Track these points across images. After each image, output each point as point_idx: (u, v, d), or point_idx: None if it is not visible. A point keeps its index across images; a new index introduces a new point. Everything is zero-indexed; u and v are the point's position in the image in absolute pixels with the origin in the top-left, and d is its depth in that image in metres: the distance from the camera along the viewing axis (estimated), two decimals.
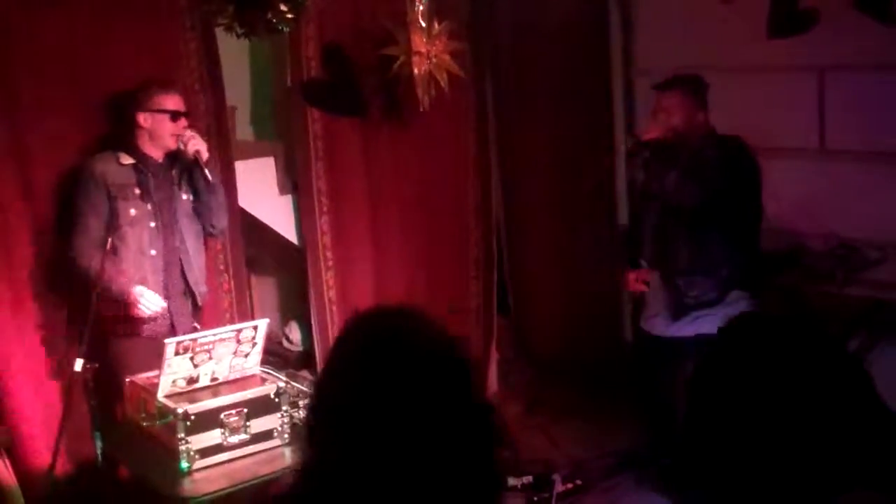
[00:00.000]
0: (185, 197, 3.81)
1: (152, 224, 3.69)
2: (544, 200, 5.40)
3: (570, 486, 4.23)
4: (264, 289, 5.21)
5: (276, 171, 4.72)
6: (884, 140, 4.28)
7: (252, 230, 4.60)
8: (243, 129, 4.75)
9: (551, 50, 5.12)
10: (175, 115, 3.70)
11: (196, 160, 3.71)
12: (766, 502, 1.33)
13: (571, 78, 5.16)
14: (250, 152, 4.65)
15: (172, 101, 3.72)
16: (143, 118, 3.68)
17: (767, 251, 4.17)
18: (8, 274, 3.71)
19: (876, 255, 4.32)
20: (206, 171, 3.74)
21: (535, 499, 4.15)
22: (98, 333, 3.56)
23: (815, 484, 1.31)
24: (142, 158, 3.69)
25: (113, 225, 3.60)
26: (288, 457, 3.20)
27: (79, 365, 3.34)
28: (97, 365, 3.34)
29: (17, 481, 3.63)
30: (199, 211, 3.84)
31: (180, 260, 3.77)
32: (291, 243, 4.80)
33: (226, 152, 4.28)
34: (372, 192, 4.82)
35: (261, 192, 4.65)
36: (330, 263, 4.73)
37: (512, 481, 4.09)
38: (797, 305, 4.17)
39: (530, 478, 4.22)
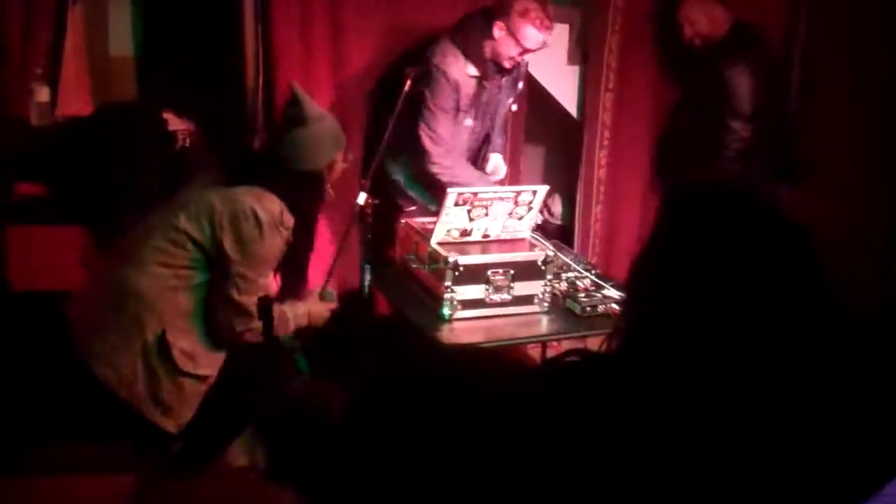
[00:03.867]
0: (509, 102, 3.94)
1: (476, 132, 3.87)
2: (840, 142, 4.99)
3: None
4: (532, 158, 5.19)
5: (569, 39, 4.61)
6: None
7: (530, 97, 4.56)
8: None
9: None
10: (525, 52, 3.69)
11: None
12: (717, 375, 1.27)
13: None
14: None
15: (534, 39, 3.63)
16: (500, 31, 3.63)
17: None
18: None
19: None
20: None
21: None
22: None
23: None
24: (485, 71, 3.72)
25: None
26: (545, 324, 3.23)
27: (362, 198, 3.47)
28: (377, 201, 3.47)
29: None
30: None
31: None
32: (569, 115, 4.73)
33: None
34: (660, 77, 4.63)
35: (549, 59, 4.56)
36: (605, 142, 4.63)
37: None
38: None
39: None
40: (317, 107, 3.00)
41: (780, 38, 4.75)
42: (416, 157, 3.78)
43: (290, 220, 2.87)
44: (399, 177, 3.95)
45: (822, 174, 5.07)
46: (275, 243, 2.84)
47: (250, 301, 2.79)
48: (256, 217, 2.77)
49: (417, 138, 3.71)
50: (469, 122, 3.80)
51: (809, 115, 5.04)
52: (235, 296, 2.79)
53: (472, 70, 3.68)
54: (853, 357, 1.32)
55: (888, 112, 4.87)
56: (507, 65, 3.71)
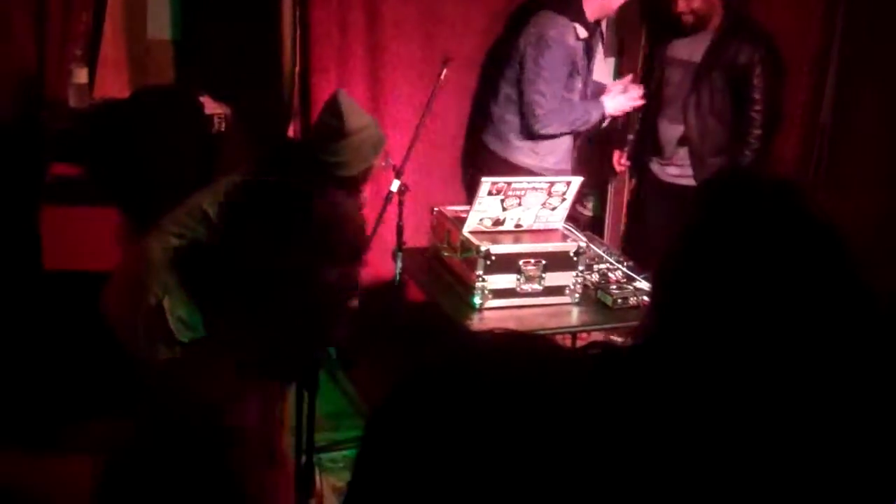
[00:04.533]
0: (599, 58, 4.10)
1: (580, 90, 3.98)
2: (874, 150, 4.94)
3: None
4: None
5: (605, 29, 4.59)
6: None
7: None
8: None
9: None
10: None
11: None
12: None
13: None
14: None
15: None
16: None
17: None
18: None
19: None
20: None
21: None
22: None
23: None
24: (591, 31, 3.80)
25: None
26: (576, 315, 3.23)
27: (395, 185, 3.48)
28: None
29: None
30: None
31: None
32: None
33: None
34: None
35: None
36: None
37: None
38: None
39: None
40: (360, 115, 3.04)
41: (816, 44, 4.70)
42: (524, 122, 3.92)
43: None
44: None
45: (855, 181, 5.03)
46: None
47: None
48: None
49: (527, 106, 3.86)
50: (579, 84, 3.97)
51: (844, 123, 4.99)
52: None
53: (582, 32, 3.83)
54: (886, 354, 1.30)
55: None
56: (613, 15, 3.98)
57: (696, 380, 1.25)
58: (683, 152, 4.16)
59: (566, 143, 4.05)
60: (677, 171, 4.19)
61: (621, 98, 4.01)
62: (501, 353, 0.92)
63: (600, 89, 4.11)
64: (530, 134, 3.92)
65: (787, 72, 4.34)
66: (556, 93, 3.85)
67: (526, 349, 0.94)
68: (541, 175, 3.70)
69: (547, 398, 0.84)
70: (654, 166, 4.26)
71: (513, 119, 3.96)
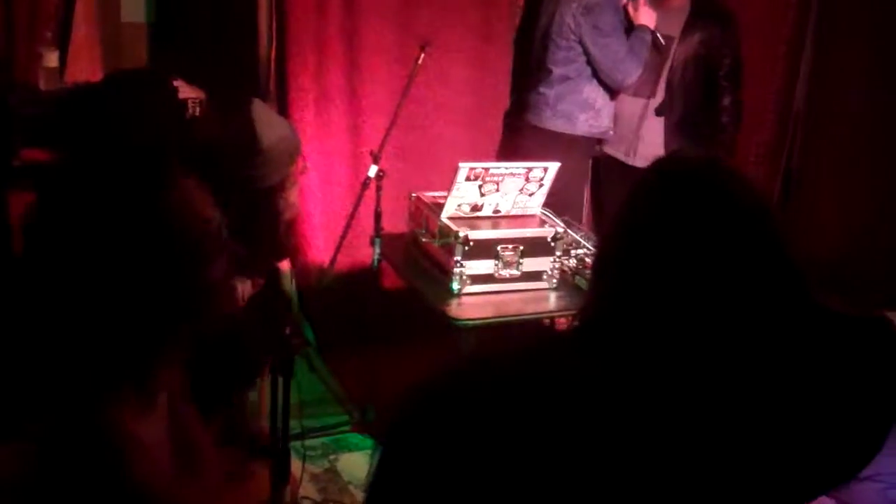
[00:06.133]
0: None
1: None
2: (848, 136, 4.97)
3: None
4: None
5: None
6: None
7: None
8: None
9: None
10: None
11: None
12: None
13: None
14: None
15: None
16: None
17: None
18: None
19: None
20: None
21: None
22: None
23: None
24: None
25: None
26: (553, 301, 3.22)
27: (373, 171, 3.46)
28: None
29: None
30: None
31: None
32: None
33: None
34: None
35: None
36: None
37: None
38: None
39: None
40: (274, 126, 3.02)
41: (789, 31, 4.72)
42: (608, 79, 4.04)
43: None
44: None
45: (829, 167, 5.06)
46: None
47: None
48: None
49: (609, 70, 4.00)
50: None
51: (817, 110, 5.01)
52: None
53: None
54: (815, 335, 1.30)
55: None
56: None
57: (629, 360, 1.25)
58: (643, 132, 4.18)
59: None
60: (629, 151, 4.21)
61: (643, 10, 4.08)
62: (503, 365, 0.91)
63: None
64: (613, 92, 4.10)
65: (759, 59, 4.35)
66: (624, 43, 3.98)
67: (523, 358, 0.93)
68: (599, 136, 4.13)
69: (546, 404, 0.83)
70: (610, 148, 4.26)
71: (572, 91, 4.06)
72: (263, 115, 3.00)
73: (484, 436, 0.80)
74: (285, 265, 3.18)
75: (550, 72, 4.05)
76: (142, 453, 1.30)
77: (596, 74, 4.04)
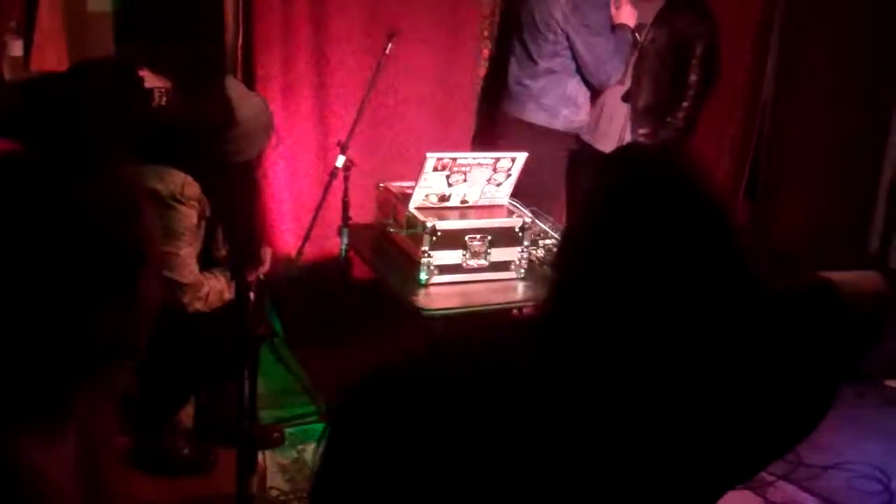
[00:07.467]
0: None
1: None
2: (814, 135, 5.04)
3: None
4: None
5: None
6: None
7: None
8: None
9: None
10: None
11: None
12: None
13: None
14: None
15: None
16: None
17: None
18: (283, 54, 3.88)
19: None
20: None
21: None
22: None
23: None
24: None
25: None
26: (521, 291, 3.24)
27: (340, 161, 3.46)
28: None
29: None
30: None
31: None
32: None
33: None
34: None
35: None
36: None
37: None
38: None
39: None
40: (250, 102, 3.03)
41: (757, 21, 4.77)
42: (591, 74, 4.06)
43: (193, 191, 2.90)
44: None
45: (797, 158, 5.12)
46: (179, 216, 2.88)
47: (181, 274, 2.86)
48: (157, 195, 2.80)
49: (596, 64, 4.01)
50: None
51: (785, 101, 5.07)
52: (165, 273, 2.78)
53: None
54: (767, 326, 1.33)
55: (864, 106, 4.92)
56: None
57: (582, 348, 1.27)
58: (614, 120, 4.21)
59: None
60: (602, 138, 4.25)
61: (625, 8, 4.10)
62: (453, 353, 0.92)
63: None
64: (596, 88, 4.13)
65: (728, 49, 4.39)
66: (612, 42, 4.01)
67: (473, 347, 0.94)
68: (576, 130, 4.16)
69: (496, 392, 0.84)
70: (584, 135, 4.29)
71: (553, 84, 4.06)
72: (237, 90, 3.00)
73: (429, 421, 0.81)
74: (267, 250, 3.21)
75: (536, 64, 4.05)
76: (43, 486, 1.12)
77: (579, 70, 4.05)
